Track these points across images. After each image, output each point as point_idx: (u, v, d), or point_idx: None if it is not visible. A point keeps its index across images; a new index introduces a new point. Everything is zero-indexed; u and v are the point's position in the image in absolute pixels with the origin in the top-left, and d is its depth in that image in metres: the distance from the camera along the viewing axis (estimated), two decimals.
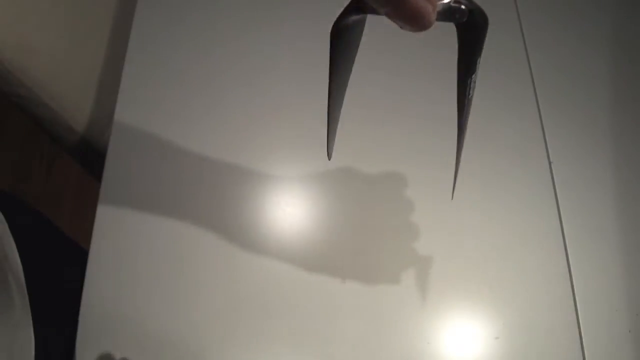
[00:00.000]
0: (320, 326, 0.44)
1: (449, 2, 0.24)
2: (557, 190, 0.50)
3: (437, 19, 0.24)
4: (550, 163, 0.51)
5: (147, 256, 0.47)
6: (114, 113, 0.54)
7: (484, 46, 0.28)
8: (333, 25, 0.26)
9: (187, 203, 0.49)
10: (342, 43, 0.28)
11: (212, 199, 0.50)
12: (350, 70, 0.32)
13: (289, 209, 0.49)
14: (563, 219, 0.49)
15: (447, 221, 0.48)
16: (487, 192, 0.50)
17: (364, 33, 0.30)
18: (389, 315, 0.45)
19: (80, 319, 0.44)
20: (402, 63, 0.57)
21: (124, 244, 0.48)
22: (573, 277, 0.46)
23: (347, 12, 0.26)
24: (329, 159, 0.37)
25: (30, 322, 0.42)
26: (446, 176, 0.51)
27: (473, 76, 0.28)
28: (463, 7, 0.25)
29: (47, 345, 0.44)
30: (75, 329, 0.44)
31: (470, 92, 0.30)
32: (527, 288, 0.46)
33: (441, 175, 0.52)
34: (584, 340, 0.44)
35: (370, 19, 0.27)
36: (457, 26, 0.26)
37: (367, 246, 0.48)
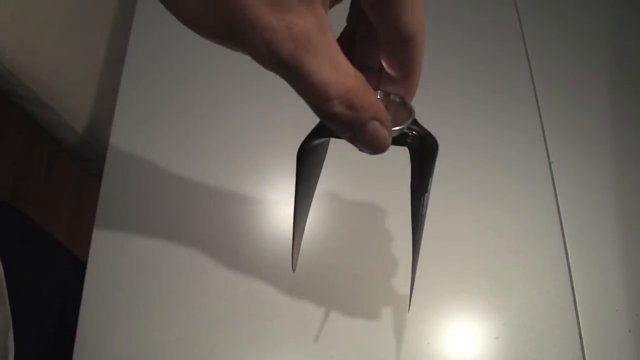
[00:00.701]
0: (320, 326, 0.44)
1: (402, 128, 0.25)
2: (557, 190, 0.50)
3: (392, 144, 0.25)
4: (550, 163, 0.51)
5: (147, 256, 0.47)
6: (114, 113, 0.54)
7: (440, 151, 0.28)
8: (299, 147, 0.28)
9: (187, 203, 0.50)
10: (308, 162, 0.30)
11: (211, 198, 0.50)
12: (315, 184, 0.34)
13: (289, 209, 0.49)
14: (563, 219, 0.49)
15: (447, 221, 0.48)
16: (487, 192, 0.50)
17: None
18: (388, 315, 0.45)
19: (80, 320, 0.44)
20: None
21: (124, 244, 0.48)
22: (573, 277, 0.46)
23: (312, 135, 0.28)
24: (294, 271, 0.38)
25: (10, 326, 0.42)
26: (446, 176, 0.51)
27: (426, 194, 0.30)
28: (415, 133, 0.27)
29: (33, 352, 0.44)
30: (69, 335, 0.43)
31: (423, 209, 0.32)
32: (527, 288, 0.46)
33: (441, 175, 0.51)
34: (584, 340, 0.44)
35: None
36: (409, 150, 0.28)
37: (367, 246, 0.48)
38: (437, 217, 0.49)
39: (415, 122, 0.27)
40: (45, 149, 1.36)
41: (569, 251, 0.47)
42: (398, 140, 0.26)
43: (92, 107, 0.66)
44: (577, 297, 0.45)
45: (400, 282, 0.46)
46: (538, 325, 0.44)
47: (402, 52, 0.23)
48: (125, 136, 0.52)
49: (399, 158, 0.52)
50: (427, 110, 0.57)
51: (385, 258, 0.47)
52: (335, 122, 0.22)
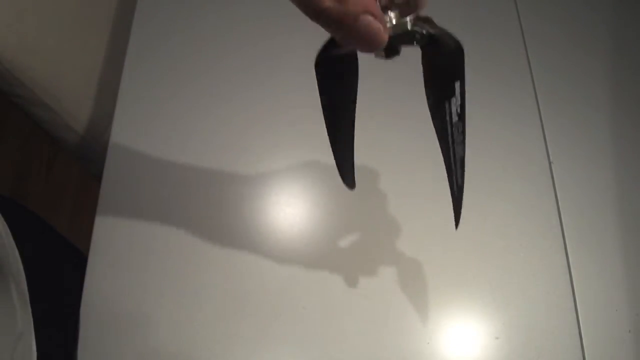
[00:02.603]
0: (320, 326, 0.44)
1: (403, 24, 0.24)
2: (557, 190, 0.50)
3: (399, 42, 0.24)
4: (550, 163, 0.51)
5: (147, 256, 0.47)
6: (114, 113, 0.54)
7: (465, 70, 0.26)
8: (315, 59, 0.27)
9: (186, 203, 0.49)
10: (329, 77, 0.28)
11: (211, 199, 0.50)
12: (351, 105, 0.31)
13: (289, 209, 0.49)
14: (563, 219, 0.49)
15: (447, 221, 0.48)
16: (487, 192, 0.50)
17: None
18: (389, 315, 0.45)
19: (81, 320, 0.44)
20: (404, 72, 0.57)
21: (123, 244, 0.48)
22: (573, 277, 0.46)
23: (326, 46, 0.26)
24: (352, 188, 0.36)
25: (32, 330, 0.42)
26: (446, 176, 0.51)
27: (452, 100, 0.27)
28: (424, 31, 0.24)
29: (49, 352, 0.44)
30: (76, 333, 0.43)
31: (453, 118, 0.27)
32: (527, 288, 0.46)
33: (442, 176, 0.52)
34: (584, 340, 0.44)
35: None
36: (422, 51, 0.26)
37: (367, 246, 0.48)
38: (437, 217, 0.49)
39: (428, 21, 0.25)
40: (45, 149, 1.36)
41: (569, 251, 0.47)
42: (404, 39, 0.24)
43: (92, 107, 0.66)
44: (577, 297, 0.45)
45: (401, 282, 0.46)
46: (538, 325, 0.44)
47: None
48: (125, 136, 0.52)
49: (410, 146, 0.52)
50: (426, 110, 0.57)
51: (387, 258, 0.47)
52: (326, 19, 0.22)
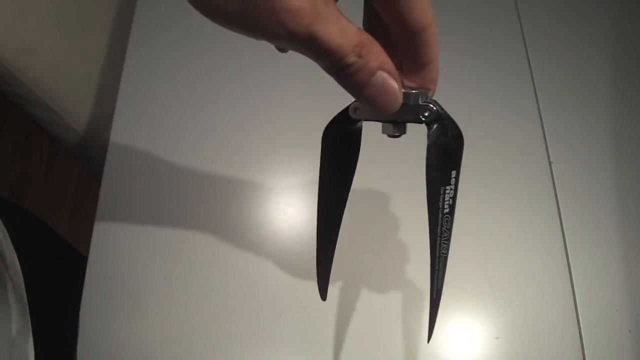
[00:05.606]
0: (320, 326, 0.44)
1: (417, 93, 0.25)
2: (557, 190, 0.50)
3: (408, 116, 0.26)
4: (550, 163, 0.51)
5: (147, 256, 0.47)
6: (114, 113, 0.54)
7: (462, 158, 0.27)
8: (324, 130, 0.28)
9: (186, 203, 0.49)
10: (334, 149, 0.28)
11: (211, 199, 0.50)
12: (347, 189, 0.30)
13: (289, 209, 0.49)
14: (563, 219, 0.49)
15: None
16: (487, 191, 0.50)
17: None
18: (388, 315, 0.45)
19: (81, 320, 0.44)
20: None
21: (123, 243, 0.48)
22: (573, 277, 0.46)
23: (336, 118, 0.28)
24: (323, 300, 0.34)
25: (30, 332, 0.42)
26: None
27: (448, 187, 0.28)
28: (433, 107, 0.26)
29: (48, 352, 0.44)
30: (76, 333, 0.43)
31: (444, 204, 0.28)
32: (527, 288, 0.46)
33: None
34: (584, 340, 0.44)
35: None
36: (427, 127, 0.27)
37: (367, 246, 0.48)
38: None
39: (436, 102, 0.26)
40: (45, 149, 1.36)
41: (569, 251, 0.47)
42: (414, 113, 0.26)
43: (92, 107, 0.66)
44: (577, 297, 0.45)
45: (401, 282, 0.46)
46: (538, 325, 0.44)
47: (416, 43, 0.24)
48: (125, 136, 0.52)
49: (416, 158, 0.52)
50: None
51: (387, 258, 0.47)
52: (348, 73, 0.23)
